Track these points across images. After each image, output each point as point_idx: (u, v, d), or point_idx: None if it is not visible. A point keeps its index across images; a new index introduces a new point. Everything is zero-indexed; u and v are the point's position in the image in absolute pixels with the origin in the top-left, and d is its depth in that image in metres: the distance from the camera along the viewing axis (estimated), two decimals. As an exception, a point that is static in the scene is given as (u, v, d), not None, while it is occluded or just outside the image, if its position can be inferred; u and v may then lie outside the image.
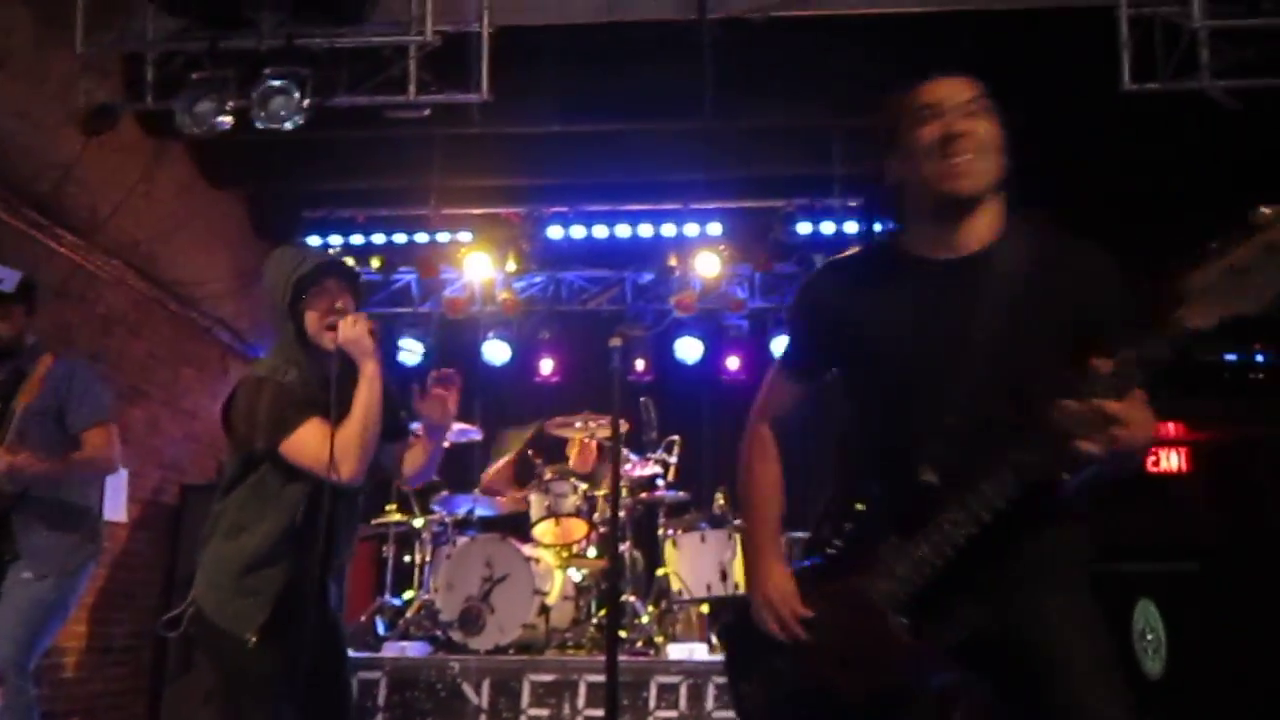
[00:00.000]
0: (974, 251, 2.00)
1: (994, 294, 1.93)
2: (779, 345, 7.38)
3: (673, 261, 7.18)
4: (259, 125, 4.90)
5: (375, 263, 7.39)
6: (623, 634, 5.91)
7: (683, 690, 5.46)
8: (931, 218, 2.02)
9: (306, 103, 4.93)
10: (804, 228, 6.94)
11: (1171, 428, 3.75)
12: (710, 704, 5.56)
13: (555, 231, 7.14)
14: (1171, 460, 3.66)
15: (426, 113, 5.19)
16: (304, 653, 2.81)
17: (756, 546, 2.30)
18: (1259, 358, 3.99)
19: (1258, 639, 3.54)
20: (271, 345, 2.97)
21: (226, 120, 4.91)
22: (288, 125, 4.92)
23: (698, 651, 5.79)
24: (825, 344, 2.25)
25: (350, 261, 5.58)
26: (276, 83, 4.90)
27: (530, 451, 6.77)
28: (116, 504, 3.99)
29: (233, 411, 2.82)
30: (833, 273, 2.25)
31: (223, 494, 2.88)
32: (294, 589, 2.81)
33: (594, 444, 6.79)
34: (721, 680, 5.44)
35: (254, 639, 2.75)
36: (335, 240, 7.14)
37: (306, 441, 2.73)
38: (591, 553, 6.52)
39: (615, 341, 4.02)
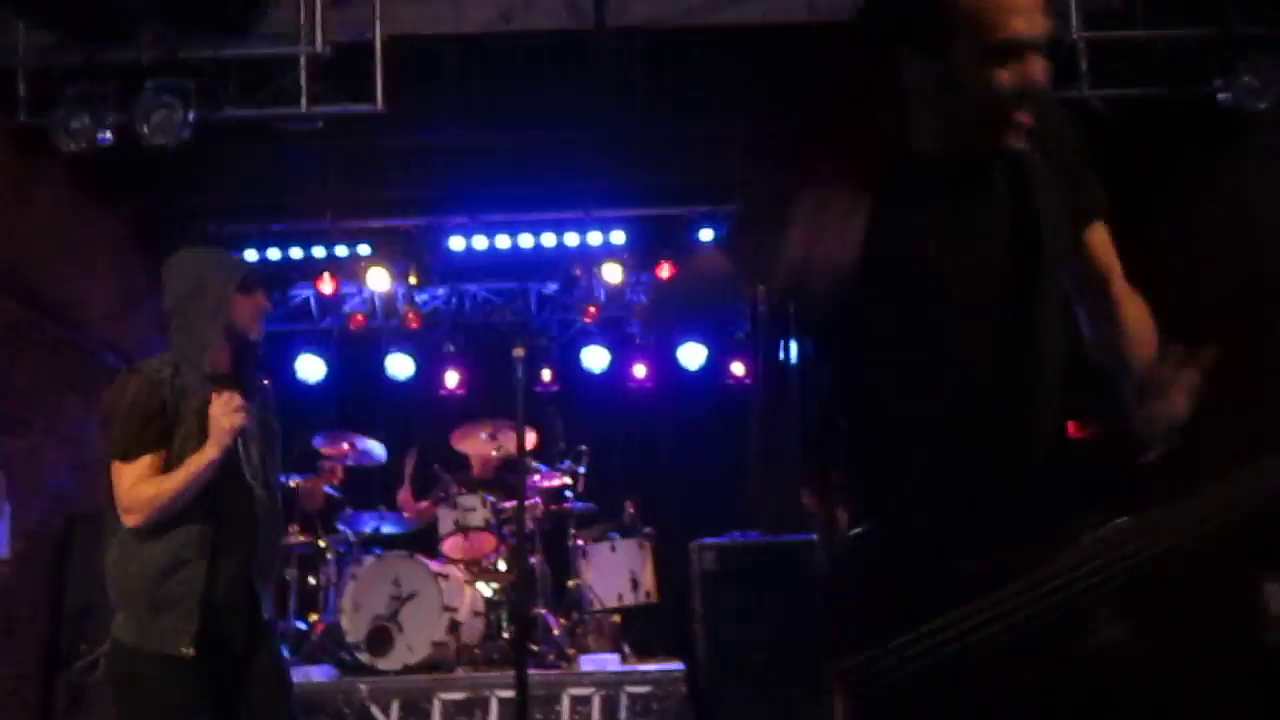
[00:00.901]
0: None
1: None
2: (686, 353, 7.43)
3: (577, 271, 7.17)
4: (143, 141, 4.75)
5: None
6: (534, 647, 5.89)
7: (596, 701, 5.47)
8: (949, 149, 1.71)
9: (192, 116, 4.80)
10: (706, 234, 6.98)
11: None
12: (623, 714, 5.57)
13: (457, 243, 7.06)
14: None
15: (319, 125, 5.10)
16: (240, 665, 2.83)
17: None
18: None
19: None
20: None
21: (106, 136, 4.75)
22: (173, 141, 4.78)
23: (610, 662, 5.81)
24: None
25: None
26: (159, 97, 4.75)
27: (436, 466, 6.70)
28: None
29: (106, 407, 2.87)
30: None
31: (107, 512, 2.84)
32: (218, 593, 2.78)
33: (496, 454, 6.75)
34: (635, 690, 5.47)
35: (191, 651, 2.71)
36: (228, 257, 6.95)
37: (125, 478, 2.75)
38: (501, 566, 6.48)
39: (518, 353, 4.01)
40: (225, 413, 2.79)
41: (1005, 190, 1.70)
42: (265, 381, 3.13)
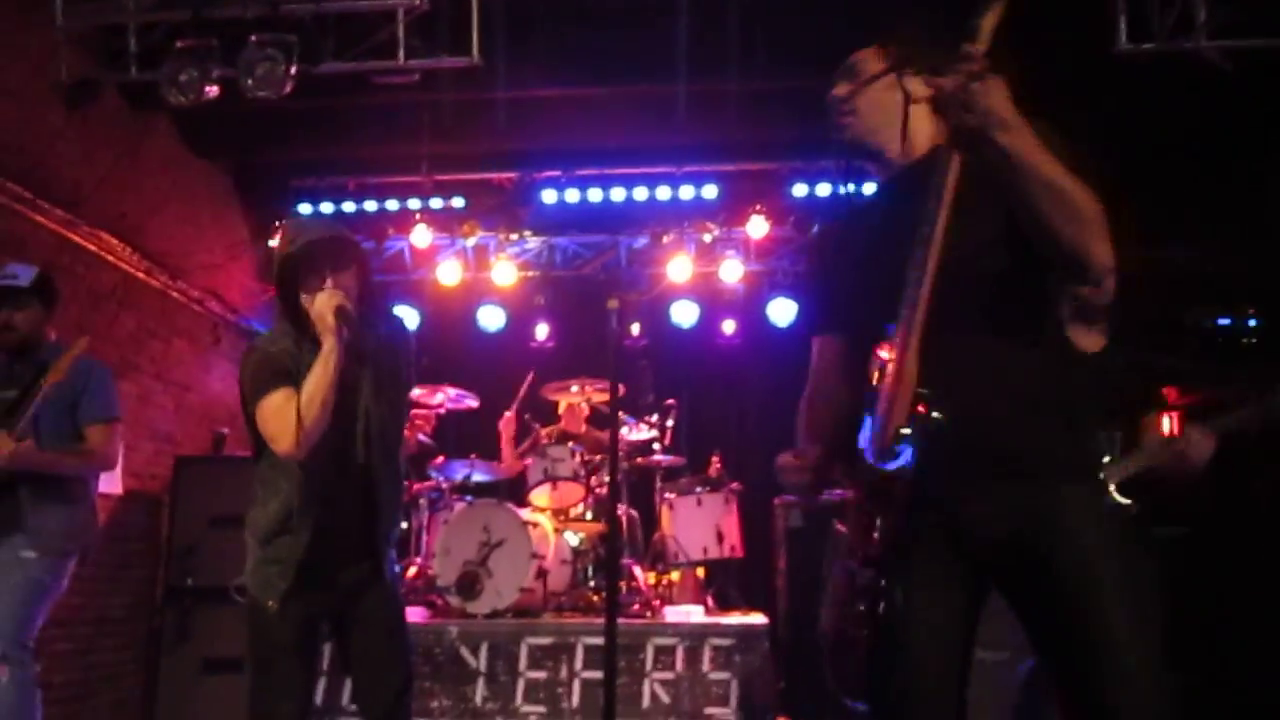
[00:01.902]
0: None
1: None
2: (775, 309, 7.37)
3: (668, 225, 7.13)
4: (247, 94, 4.84)
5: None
6: (621, 597, 5.97)
7: (679, 652, 5.52)
8: None
9: (293, 70, 4.86)
10: (800, 190, 6.89)
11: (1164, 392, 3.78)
12: (706, 665, 5.62)
13: (549, 196, 7.08)
14: (1163, 425, 3.70)
15: (416, 78, 5.13)
16: (350, 608, 2.90)
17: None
18: (1251, 322, 3.99)
19: (1244, 603, 3.57)
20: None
21: (212, 90, 4.86)
22: (275, 93, 4.86)
23: (694, 613, 5.84)
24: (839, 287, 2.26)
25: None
26: (262, 51, 4.83)
27: (526, 416, 6.79)
28: (111, 476, 4.02)
29: (240, 385, 2.91)
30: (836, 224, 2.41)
31: (256, 455, 2.96)
32: (321, 557, 2.85)
33: (584, 407, 6.81)
34: (718, 642, 5.51)
35: (274, 605, 2.82)
36: (326, 208, 7.08)
37: (266, 411, 2.79)
38: (588, 516, 6.56)
39: (612, 304, 4.00)
40: (323, 305, 2.77)
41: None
42: (398, 338, 3.13)
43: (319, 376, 2.75)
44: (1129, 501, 2.68)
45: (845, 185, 2.30)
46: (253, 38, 4.84)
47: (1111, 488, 2.69)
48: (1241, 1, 4.38)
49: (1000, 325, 1.95)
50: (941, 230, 1.89)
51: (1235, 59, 4.40)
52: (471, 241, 7.39)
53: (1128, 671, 1.86)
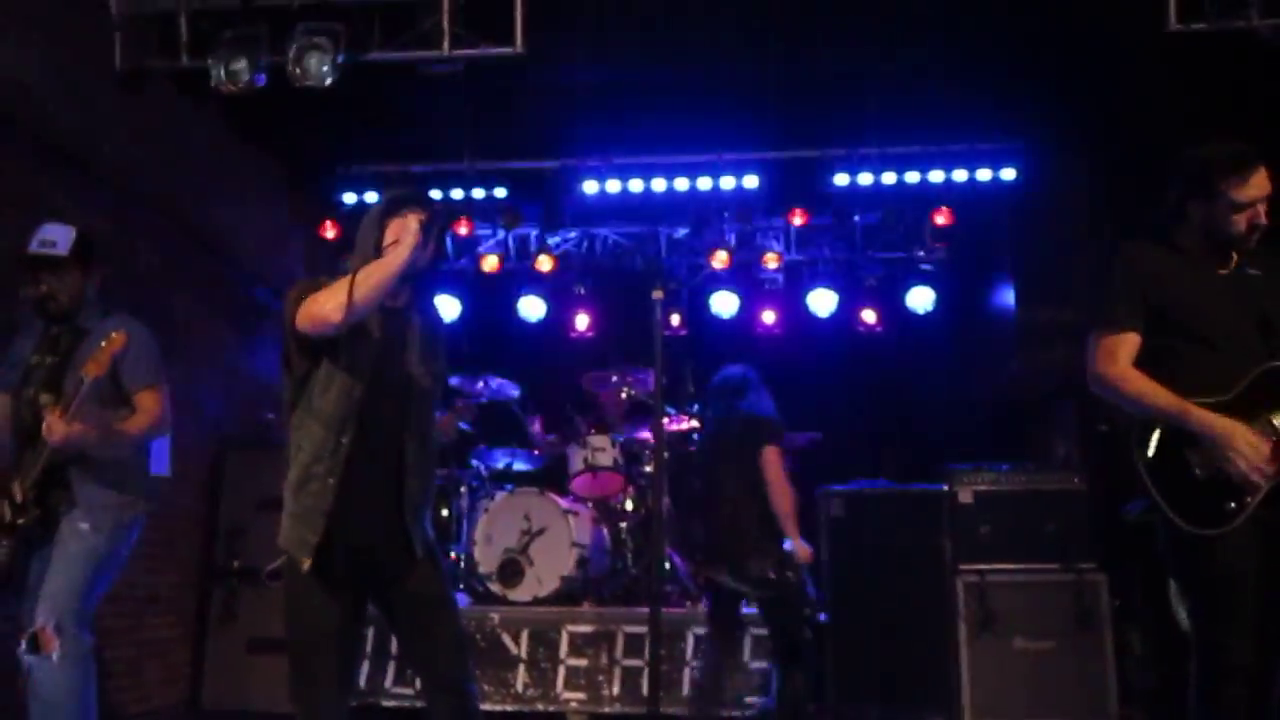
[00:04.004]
0: (1232, 273, 3.01)
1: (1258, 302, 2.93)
2: (816, 298, 7.34)
3: (708, 216, 7.12)
4: (294, 83, 4.90)
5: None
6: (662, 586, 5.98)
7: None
8: (1211, 248, 3.01)
9: (340, 59, 4.91)
10: (841, 179, 6.86)
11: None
12: (747, 654, 5.62)
13: (590, 186, 7.09)
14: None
15: (460, 67, 5.16)
16: (386, 589, 2.89)
17: (1190, 413, 2.83)
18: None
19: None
20: None
21: (260, 78, 4.92)
22: (322, 82, 4.91)
23: (734, 603, 5.83)
24: (1150, 307, 2.95)
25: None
26: (310, 39, 4.89)
27: (567, 406, 6.82)
28: (160, 458, 4.05)
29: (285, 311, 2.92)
30: (1147, 254, 3.06)
31: (285, 419, 2.97)
32: (349, 512, 2.84)
33: (624, 398, 6.82)
34: (759, 631, 5.50)
35: (306, 562, 2.81)
36: (370, 196, 7.14)
37: (319, 296, 2.82)
38: (628, 506, 6.57)
39: (658, 295, 4.01)
40: (412, 219, 2.86)
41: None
42: (438, 324, 3.18)
43: (386, 262, 2.82)
44: None
45: None
46: (299, 27, 4.89)
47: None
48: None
49: None
50: None
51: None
52: (514, 230, 7.41)
53: None
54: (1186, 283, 2.98)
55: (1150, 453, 2.89)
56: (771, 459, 4.65)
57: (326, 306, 2.78)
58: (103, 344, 3.60)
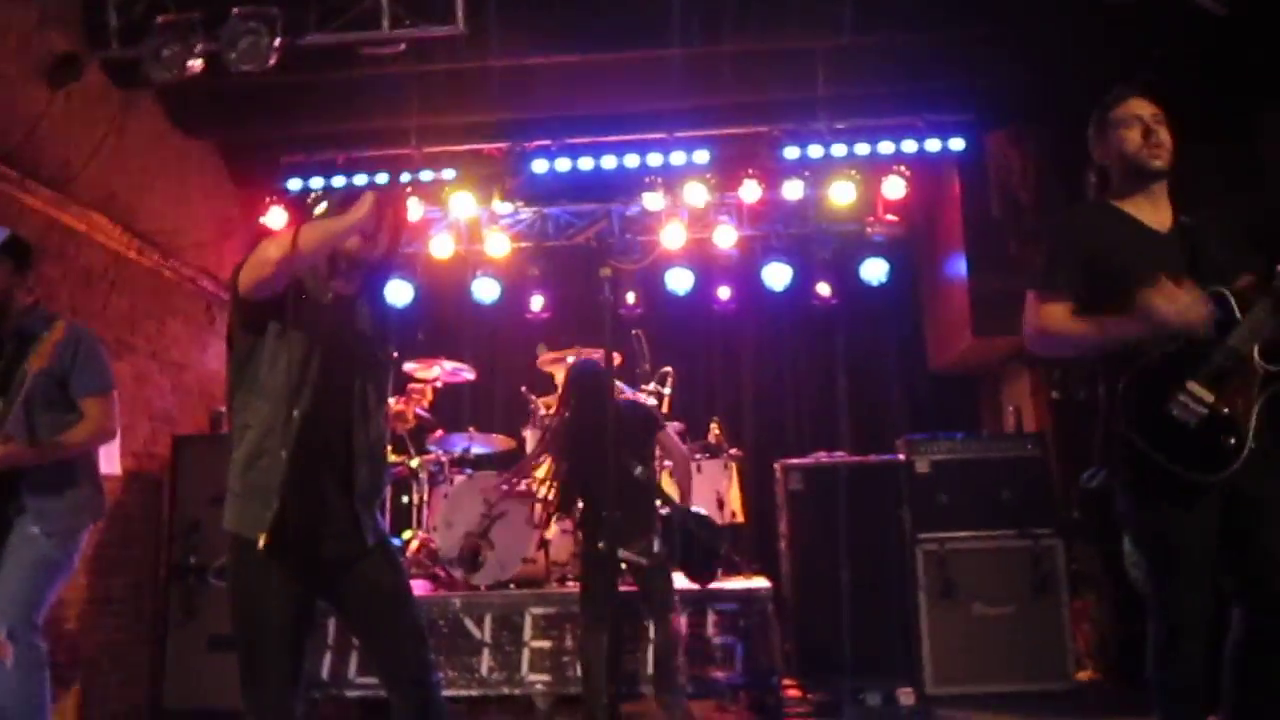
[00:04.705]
0: (1170, 228, 3.04)
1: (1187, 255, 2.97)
2: (770, 273, 7.34)
3: (660, 191, 7.08)
4: (231, 68, 4.79)
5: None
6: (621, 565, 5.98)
7: (683, 618, 5.53)
8: (1134, 188, 3.07)
9: (277, 43, 4.81)
10: (791, 152, 6.85)
11: None
12: (710, 630, 5.65)
13: (540, 166, 7.01)
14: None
15: (401, 48, 5.08)
16: (335, 573, 2.83)
17: (1115, 319, 2.92)
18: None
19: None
20: None
21: (195, 64, 4.80)
22: (259, 67, 4.81)
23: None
24: (1084, 269, 3.00)
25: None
26: (245, 24, 4.77)
27: (523, 388, 6.78)
28: (110, 458, 4.01)
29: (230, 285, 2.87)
30: (1085, 218, 3.14)
31: (228, 401, 2.91)
32: (306, 479, 2.79)
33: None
34: (722, 607, 5.54)
35: (263, 538, 2.73)
36: (316, 183, 7.01)
37: (257, 249, 2.75)
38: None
39: (605, 272, 3.98)
40: (369, 195, 2.84)
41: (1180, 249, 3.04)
42: (389, 315, 3.14)
43: (334, 221, 2.80)
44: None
45: None
46: (235, 11, 4.78)
47: (1255, 354, 2.83)
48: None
49: None
50: None
51: (1231, 4, 4.36)
52: (463, 213, 7.33)
53: None
54: (1123, 243, 3.01)
55: (1134, 416, 2.87)
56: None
57: (269, 250, 2.71)
58: (43, 335, 3.55)
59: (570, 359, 6.80)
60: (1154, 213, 3.05)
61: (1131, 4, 4.51)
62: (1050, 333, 3.00)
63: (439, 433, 6.68)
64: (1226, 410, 2.79)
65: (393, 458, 6.43)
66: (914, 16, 5.62)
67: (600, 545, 4.62)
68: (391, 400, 6.35)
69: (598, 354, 6.54)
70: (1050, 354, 3.11)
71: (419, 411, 6.61)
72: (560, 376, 6.91)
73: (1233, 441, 2.79)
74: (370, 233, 2.86)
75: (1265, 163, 5.00)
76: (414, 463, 6.50)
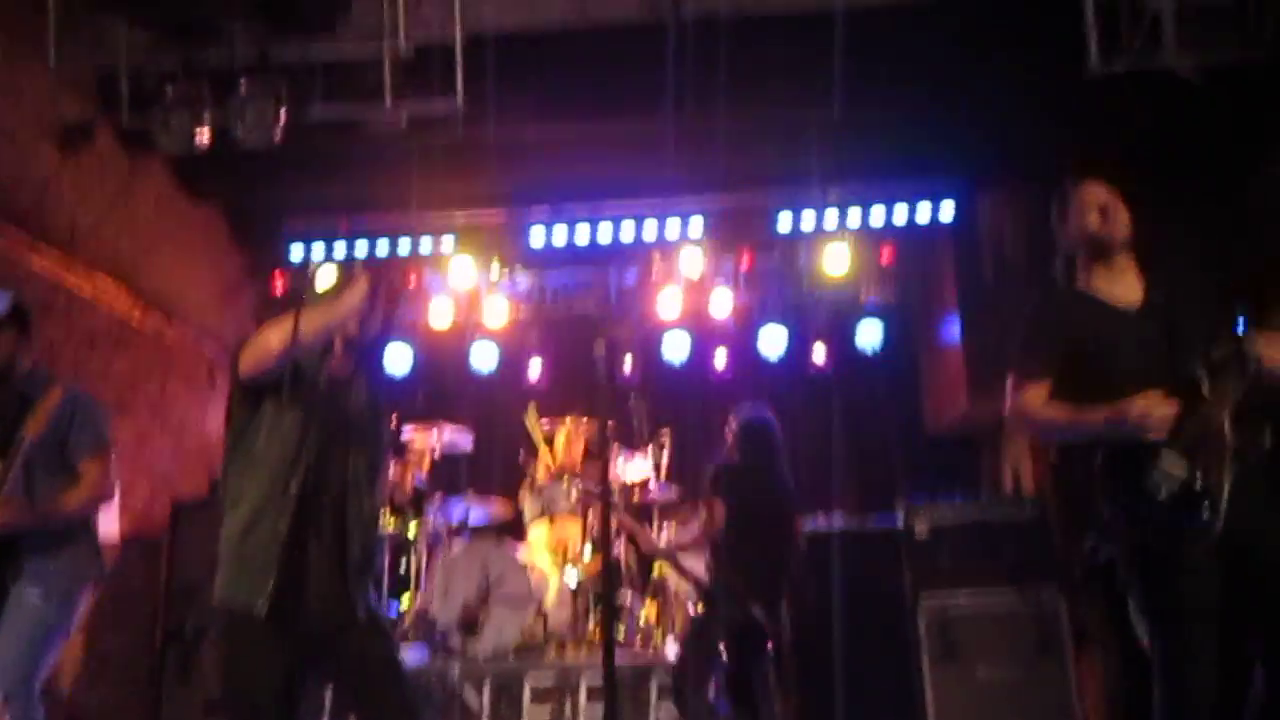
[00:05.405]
0: (1142, 305, 3.08)
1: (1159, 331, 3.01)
2: (765, 340, 7.41)
3: (656, 260, 7.18)
4: (237, 139, 4.90)
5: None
6: (621, 633, 5.95)
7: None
8: (1100, 268, 3.15)
9: (283, 115, 4.93)
10: (785, 221, 6.96)
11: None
12: (712, 696, 5.58)
13: (538, 234, 7.14)
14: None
15: (403, 121, 5.19)
16: (328, 646, 2.86)
17: (1094, 411, 2.94)
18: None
19: None
20: None
21: (203, 134, 4.91)
22: (264, 140, 4.92)
23: (695, 646, 5.80)
24: (1062, 352, 3.08)
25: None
26: (252, 96, 4.89)
27: (521, 454, 6.79)
28: (109, 520, 4.01)
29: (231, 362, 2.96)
30: (1056, 303, 3.24)
31: (222, 476, 2.98)
32: (299, 552, 2.83)
33: (581, 441, 6.82)
34: (718, 669, 5.48)
35: (263, 607, 2.76)
36: (318, 249, 7.11)
37: (259, 333, 2.86)
38: (587, 552, 6.54)
39: (599, 346, 4.05)
40: (362, 276, 2.93)
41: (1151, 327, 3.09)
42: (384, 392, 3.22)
43: (331, 305, 2.88)
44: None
45: None
46: (242, 83, 4.90)
47: (1226, 427, 2.87)
48: (1208, 19, 4.48)
49: None
50: None
51: (1206, 74, 4.49)
52: (463, 282, 7.42)
53: None
54: (1095, 326, 3.09)
55: (1109, 490, 2.95)
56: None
57: (270, 339, 2.81)
58: (40, 401, 3.58)
59: (567, 424, 6.84)
60: (1123, 290, 3.13)
61: (1116, 75, 4.64)
62: (1029, 419, 3.11)
63: (437, 497, 6.68)
64: (1200, 482, 2.83)
65: (390, 524, 6.43)
66: (904, 87, 5.77)
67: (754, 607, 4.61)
68: (389, 466, 6.41)
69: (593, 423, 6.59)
70: (1034, 434, 3.22)
71: (416, 477, 6.63)
72: (560, 441, 6.95)
73: (1206, 513, 2.83)
74: (365, 314, 2.94)
75: (1249, 227, 5.10)
76: (412, 529, 6.49)
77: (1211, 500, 2.83)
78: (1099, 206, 3.14)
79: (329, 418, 2.94)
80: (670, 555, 5.71)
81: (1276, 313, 2.92)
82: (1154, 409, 2.86)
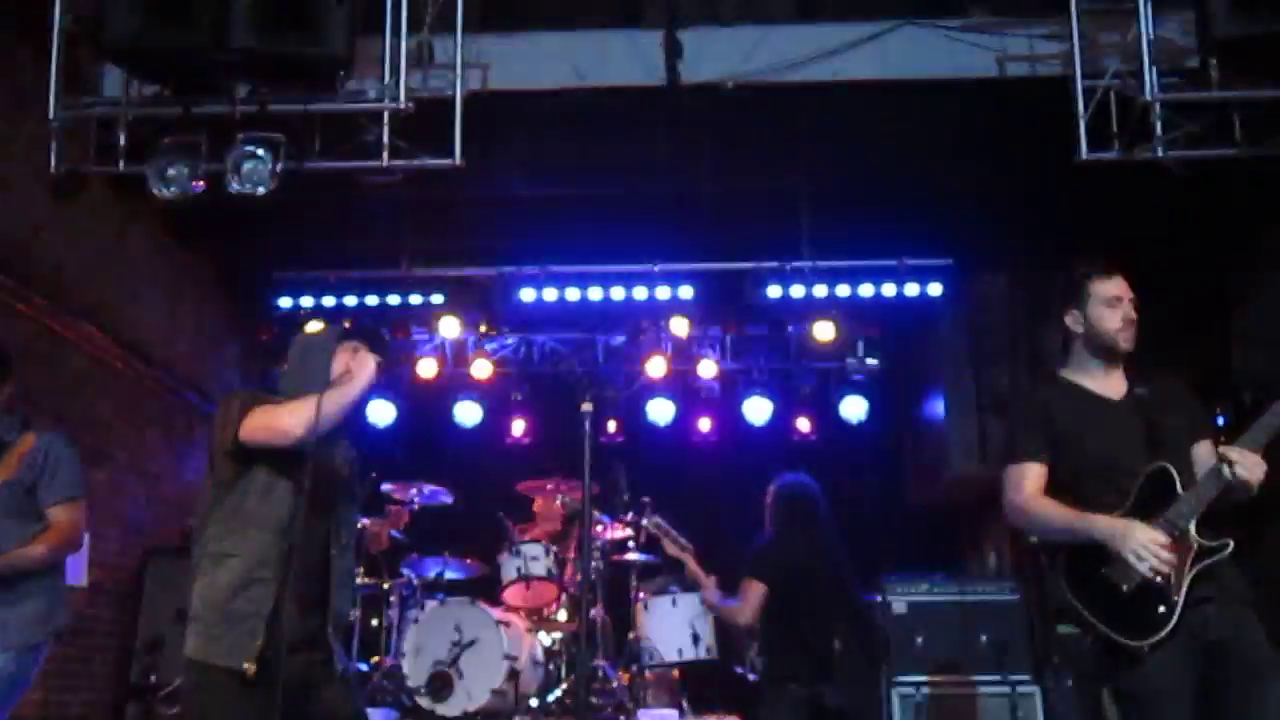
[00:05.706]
0: (1125, 397, 3.15)
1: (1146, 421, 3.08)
2: (751, 407, 7.42)
3: (644, 324, 7.21)
4: (232, 190, 4.90)
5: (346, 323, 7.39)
6: (594, 699, 5.85)
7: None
8: (1097, 361, 3.19)
9: (279, 168, 4.94)
10: (774, 291, 7.00)
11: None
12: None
13: (527, 294, 7.15)
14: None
15: (399, 178, 5.22)
16: (302, 701, 2.83)
17: (1090, 522, 2.96)
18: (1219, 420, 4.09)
19: None
20: None
21: (199, 185, 4.92)
22: (260, 190, 4.92)
23: (669, 717, 5.74)
24: (1049, 441, 3.13)
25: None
26: (250, 148, 4.91)
27: (500, 514, 6.74)
28: (76, 569, 3.94)
29: (213, 427, 2.99)
30: (1045, 394, 3.27)
31: (200, 531, 2.95)
32: (287, 622, 2.82)
33: (560, 506, 6.77)
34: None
35: (252, 667, 2.75)
36: (306, 301, 7.10)
37: (277, 409, 2.90)
38: (562, 616, 6.47)
39: (586, 407, 4.04)
40: (367, 354, 3.00)
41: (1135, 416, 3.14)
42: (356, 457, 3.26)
43: (348, 390, 2.94)
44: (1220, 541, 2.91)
45: None
46: (240, 135, 4.92)
47: (1192, 529, 2.89)
48: (1195, 113, 4.58)
49: None
50: None
51: (1192, 168, 4.58)
52: (450, 336, 7.43)
53: None
54: (1081, 416, 3.14)
55: (1071, 578, 2.98)
56: None
57: (289, 422, 2.87)
58: (12, 447, 3.58)
59: (548, 486, 6.79)
60: (1109, 383, 3.19)
61: (1105, 162, 4.72)
62: (1026, 513, 3.12)
63: (413, 555, 6.60)
64: (1159, 579, 2.84)
65: (364, 579, 6.35)
66: (895, 164, 5.85)
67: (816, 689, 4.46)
68: (366, 521, 6.35)
69: (578, 483, 6.54)
70: (1024, 527, 3.22)
71: (393, 533, 6.56)
72: (539, 503, 6.90)
73: (1161, 610, 2.84)
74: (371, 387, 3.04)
75: (1232, 315, 5.17)
76: (386, 585, 6.41)
77: (1167, 600, 2.85)
78: (1123, 308, 3.16)
79: (318, 475, 2.96)
80: (698, 572, 5.51)
81: (1252, 418, 2.96)
82: (1158, 552, 2.85)
